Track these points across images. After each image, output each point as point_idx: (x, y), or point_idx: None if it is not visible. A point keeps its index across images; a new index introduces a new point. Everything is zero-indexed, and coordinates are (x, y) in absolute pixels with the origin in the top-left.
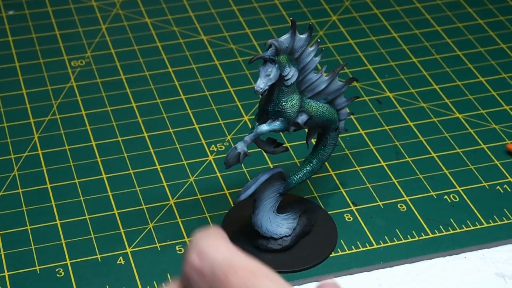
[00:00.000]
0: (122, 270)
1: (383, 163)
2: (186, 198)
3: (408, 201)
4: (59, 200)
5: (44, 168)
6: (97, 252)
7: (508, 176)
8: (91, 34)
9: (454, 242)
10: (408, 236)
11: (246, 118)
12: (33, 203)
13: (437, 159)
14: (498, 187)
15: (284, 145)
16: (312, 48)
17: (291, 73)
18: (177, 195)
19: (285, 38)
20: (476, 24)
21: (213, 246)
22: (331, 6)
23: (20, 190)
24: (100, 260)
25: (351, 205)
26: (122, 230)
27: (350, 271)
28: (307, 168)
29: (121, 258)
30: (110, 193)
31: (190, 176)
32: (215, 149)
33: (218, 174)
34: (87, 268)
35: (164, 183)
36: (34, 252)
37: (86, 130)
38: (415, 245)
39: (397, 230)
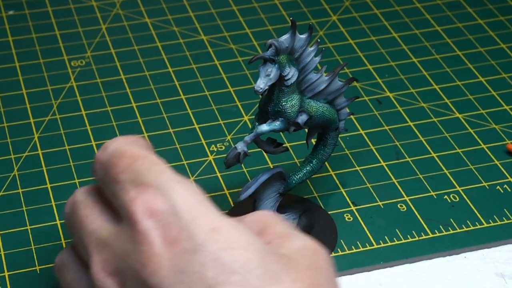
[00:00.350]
0: None
1: (383, 163)
2: None
3: (408, 201)
4: (59, 200)
5: (44, 168)
6: None
7: (508, 176)
8: (91, 34)
9: (454, 242)
10: (408, 236)
11: (246, 118)
12: (33, 203)
13: (437, 159)
14: (498, 187)
15: (284, 145)
16: (312, 48)
17: (291, 73)
18: None
19: (285, 38)
20: (476, 24)
21: (114, 141)
22: (331, 6)
23: (20, 190)
24: None
25: (351, 205)
26: None
27: (350, 271)
28: (307, 168)
29: None
30: None
31: (190, 176)
32: (215, 149)
33: (218, 174)
34: None
35: None
36: (34, 252)
37: (86, 130)
38: (415, 245)
39: (397, 230)
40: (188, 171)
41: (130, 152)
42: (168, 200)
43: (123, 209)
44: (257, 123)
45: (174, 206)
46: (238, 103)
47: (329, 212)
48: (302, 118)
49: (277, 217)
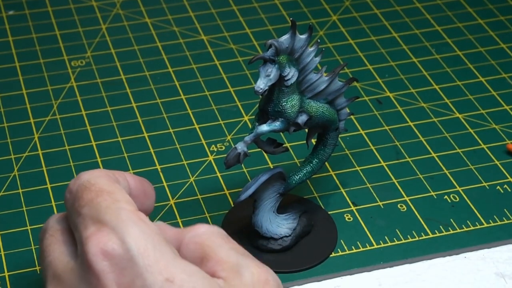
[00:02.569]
0: None
1: (383, 163)
2: (186, 198)
3: (408, 201)
4: (59, 200)
5: (44, 168)
6: None
7: (508, 176)
8: (91, 34)
9: (454, 242)
10: (408, 236)
11: (246, 118)
12: (33, 203)
13: (437, 159)
14: (498, 187)
15: (284, 145)
16: (312, 49)
17: (291, 74)
18: (177, 195)
19: (285, 38)
20: (476, 24)
21: (88, 172)
22: (331, 6)
23: (20, 190)
24: None
25: (351, 205)
26: None
27: (350, 271)
28: (307, 168)
29: None
30: None
31: (190, 176)
32: (215, 149)
33: (218, 174)
34: None
35: (164, 183)
36: (34, 252)
37: (86, 130)
38: (415, 245)
39: (397, 230)
40: (188, 171)
41: (97, 186)
42: (123, 243)
43: (80, 245)
44: (257, 123)
45: (129, 250)
46: (238, 103)
47: (329, 212)
48: (302, 119)
49: (219, 237)
